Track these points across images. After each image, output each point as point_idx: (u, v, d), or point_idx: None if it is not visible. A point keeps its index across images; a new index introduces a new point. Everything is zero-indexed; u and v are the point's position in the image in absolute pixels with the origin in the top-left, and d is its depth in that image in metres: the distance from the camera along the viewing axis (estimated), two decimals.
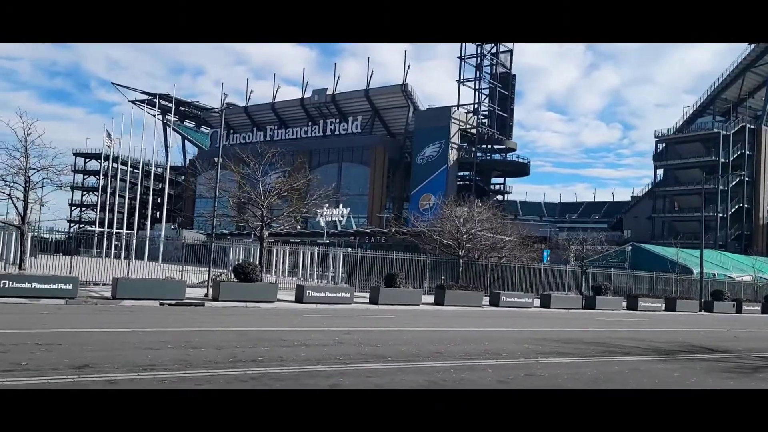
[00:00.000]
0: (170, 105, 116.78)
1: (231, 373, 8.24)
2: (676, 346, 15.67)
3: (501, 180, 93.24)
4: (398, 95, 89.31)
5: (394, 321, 19.08)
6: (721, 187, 72.51)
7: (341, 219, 49.76)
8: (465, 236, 31.04)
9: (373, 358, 10.37)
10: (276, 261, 40.33)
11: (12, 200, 21.16)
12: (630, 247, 52.90)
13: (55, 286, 19.84)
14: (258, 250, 44.44)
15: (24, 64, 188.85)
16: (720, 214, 71.56)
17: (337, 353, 10.62)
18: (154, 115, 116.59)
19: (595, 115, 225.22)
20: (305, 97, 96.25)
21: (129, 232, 68.68)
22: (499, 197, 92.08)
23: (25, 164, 20.76)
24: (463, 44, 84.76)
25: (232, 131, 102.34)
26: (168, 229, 69.39)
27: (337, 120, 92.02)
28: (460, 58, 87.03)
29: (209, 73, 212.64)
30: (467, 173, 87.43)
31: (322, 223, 46.87)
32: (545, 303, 32.37)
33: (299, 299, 25.29)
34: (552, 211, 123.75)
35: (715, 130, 74.63)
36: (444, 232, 32.49)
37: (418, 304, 27.94)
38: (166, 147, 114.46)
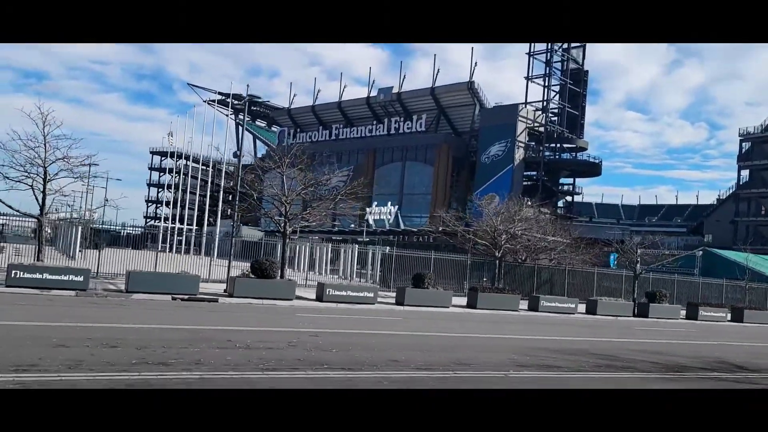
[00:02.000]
0: (242, 105, 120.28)
1: (99, 378, 7.44)
2: (700, 363, 13.78)
3: (570, 180, 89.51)
4: (464, 93, 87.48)
5: (400, 324, 17.95)
6: None
7: (389, 217, 48.77)
8: (504, 236, 29.33)
9: (309, 364, 9.36)
10: (314, 258, 40.01)
11: (34, 191, 21.46)
12: (701, 252, 49.12)
13: (66, 278, 19.89)
14: (303, 247, 44.29)
15: (113, 68, 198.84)
16: None
17: (270, 357, 9.67)
18: (227, 115, 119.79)
19: (679, 114, 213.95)
20: (371, 95, 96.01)
21: (195, 227, 70.28)
22: (568, 198, 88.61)
23: (43, 155, 21.00)
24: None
25: (299, 130, 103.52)
26: (227, 226, 70.61)
27: (402, 118, 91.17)
28: (529, 54, 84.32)
29: (284, 74, 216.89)
30: (534, 173, 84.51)
31: (371, 222, 46.08)
32: (591, 309, 30.23)
33: (319, 298, 24.55)
34: (630, 214, 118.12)
35: None
36: (479, 231, 30.86)
37: (447, 306, 26.62)
38: (239, 145, 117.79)
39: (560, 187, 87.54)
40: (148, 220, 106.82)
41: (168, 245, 66.75)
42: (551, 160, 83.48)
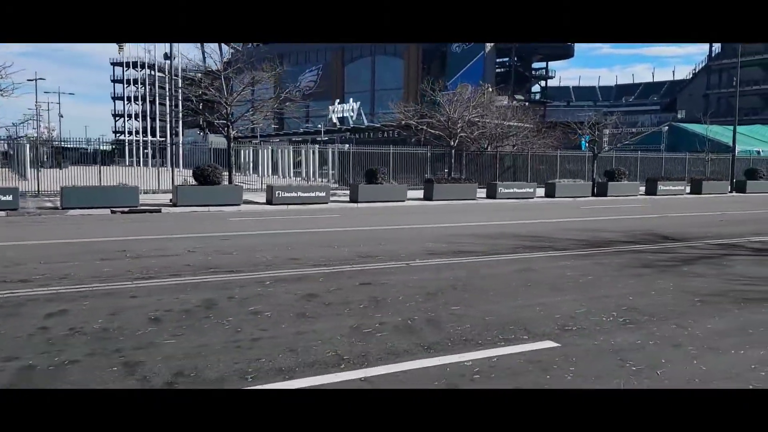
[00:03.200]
0: None
1: None
2: (627, 237, 13.61)
3: (544, 65, 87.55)
4: None
5: (339, 221, 17.60)
6: None
7: (352, 114, 47.58)
8: (459, 124, 28.55)
9: (195, 270, 8.98)
10: (276, 162, 39.30)
11: None
12: (667, 128, 48.68)
13: None
14: (265, 151, 43.42)
15: None
16: None
17: (155, 266, 9.28)
18: None
19: None
20: None
21: (160, 139, 68.75)
22: (542, 83, 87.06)
23: None
24: None
25: None
26: (194, 135, 69.16)
27: None
28: None
29: None
30: (507, 59, 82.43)
31: (335, 120, 44.91)
32: (550, 192, 30.07)
33: (269, 201, 24.13)
34: (607, 96, 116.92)
35: None
36: (435, 122, 30.02)
37: (403, 201, 26.31)
38: (203, 49, 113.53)
39: (534, 72, 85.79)
40: (117, 135, 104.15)
41: (136, 159, 65.62)
42: (522, 44, 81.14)
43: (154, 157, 63.21)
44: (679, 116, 76.52)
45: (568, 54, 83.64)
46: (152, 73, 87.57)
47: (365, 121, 41.14)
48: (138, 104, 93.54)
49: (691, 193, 33.59)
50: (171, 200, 23.22)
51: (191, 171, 23.73)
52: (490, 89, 40.07)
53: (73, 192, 20.71)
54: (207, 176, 22.50)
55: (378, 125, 41.91)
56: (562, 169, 36.47)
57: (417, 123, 30.97)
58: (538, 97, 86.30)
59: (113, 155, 55.40)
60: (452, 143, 28.35)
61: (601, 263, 10.07)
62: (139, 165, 59.95)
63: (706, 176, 35.17)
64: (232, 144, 24.81)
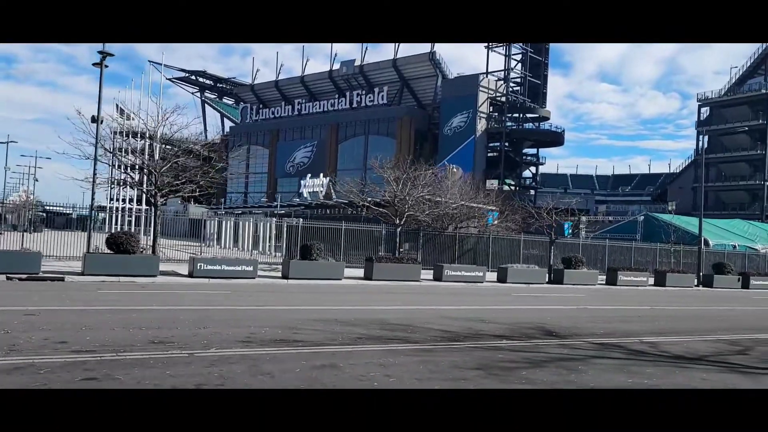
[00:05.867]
0: (208, 82, 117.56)
1: None
2: (505, 330, 12.24)
3: (535, 150, 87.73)
4: (426, 64, 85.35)
5: (225, 299, 16.31)
6: None
7: (321, 189, 47.05)
8: (407, 201, 27.53)
9: None
10: (217, 232, 38.35)
11: None
12: (642, 217, 47.65)
13: None
14: (227, 223, 42.65)
15: (82, 49, 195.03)
16: None
17: None
18: (192, 93, 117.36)
19: (651, 85, 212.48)
20: (333, 69, 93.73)
21: (146, 207, 68.27)
22: (532, 169, 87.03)
23: None
24: None
25: (262, 106, 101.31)
26: (175, 204, 68.82)
27: (364, 92, 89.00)
28: None
29: (257, 52, 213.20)
30: (498, 144, 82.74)
31: (306, 194, 44.34)
32: (502, 277, 28.74)
33: (191, 273, 22.94)
34: (604, 184, 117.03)
35: (764, 91, 66.78)
36: (367, 198, 29.12)
37: (339, 279, 25.05)
38: (204, 122, 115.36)
39: (525, 158, 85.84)
40: (112, 200, 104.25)
41: (119, 226, 65.03)
42: (514, 130, 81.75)
43: (138, 225, 62.64)
44: (669, 208, 75.66)
45: (558, 141, 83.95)
46: (152, 143, 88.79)
47: (334, 197, 40.63)
48: (119, 171, 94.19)
49: (655, 284, 32.10)
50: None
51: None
52: (455, 170, 39.40)
53: None
54: (120, 244, 21.44)
55: (345, 201, 40.97)
56: (527, 253, 35.25)
57: (360, 200, 30.06)
58: (527, 182, 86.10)
59: (94, 221, 54.88)
60: (398, 221, 27.33)
61: (432, 361, 8.74)
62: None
63: (672, 268, 33.78)
64: (158, 212, 23.87)
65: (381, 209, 28.62)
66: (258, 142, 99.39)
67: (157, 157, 22.61)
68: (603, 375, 8.60)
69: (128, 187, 22.86)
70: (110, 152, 22.43)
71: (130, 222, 65.12)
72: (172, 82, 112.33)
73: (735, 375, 9.12)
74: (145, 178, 23.77)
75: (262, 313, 13.39)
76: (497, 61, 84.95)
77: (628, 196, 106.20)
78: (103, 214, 60.54)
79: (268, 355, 8.53)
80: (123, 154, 22.70)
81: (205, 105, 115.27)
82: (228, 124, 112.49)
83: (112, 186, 23.51)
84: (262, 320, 11.76)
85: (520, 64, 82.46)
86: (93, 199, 23.63)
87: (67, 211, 48.06)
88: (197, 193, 24.64)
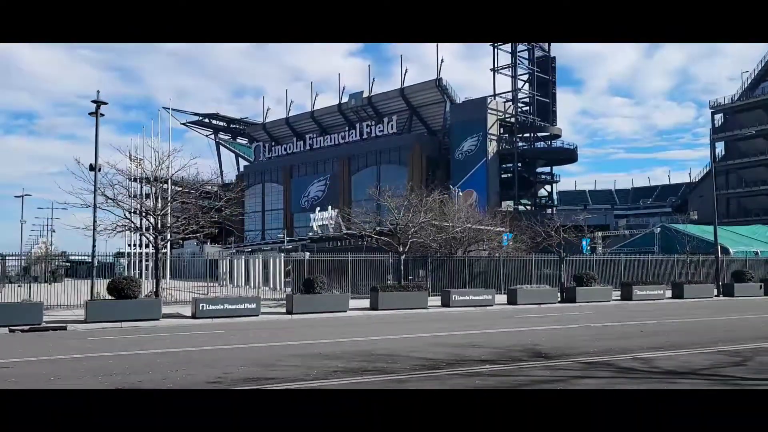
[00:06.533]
0: (222, 124, 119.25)
1: None
2: (493, 354, 11.84)
3: (548, 169, 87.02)
4: (433, 91, 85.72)
5: (215, 339, 16.07)
6: None
7: (331, 222, 47.05)
8: (410, 228, 27.24)
9: None
10: (229, 271, 38.35)
11: None
12: (659, 229, 46.65)
13: None
14: (239, 261, 42.71)
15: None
16: None
17: None
18: (206, 135, 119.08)
19: (665, 96, 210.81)
20: (342, 102, 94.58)
21: (164, 252, 69.02)
22: (548, 187, 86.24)
23: None
24: None
25: (274, 143, 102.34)
26: (192, 246, 69.37)
27: (374, 122, 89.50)
28: (493, 45, 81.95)
29: (269, 91, 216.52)
30: (510, 165, 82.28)
31: (315, 228, 44.36)
32: (512, 299, 28.17)
33: (194, 314, 22.83)
34: (624, 198, 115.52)
35: None
36: (371, 226, 28.88)
37: (345, 311, 24.75)
38: (219, 163, 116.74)
39: (539, 177, 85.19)
40: (130, 246, 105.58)
41: (138, 271, 65.60)
42: (525, 150, 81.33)
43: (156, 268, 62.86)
44: (691, 217, 74.41)
45: (571, 158, 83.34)
46: (166, 186, 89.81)
47: (343, 229, 40.48)
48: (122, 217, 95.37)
49: (672, 297, 31.23)
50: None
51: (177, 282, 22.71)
52: (460, 193, 39.09)
53: None
54: (121, 290, 21.43)
55: (356, 232, 40.63)
56: (539, 273, 34.62)
57: (361, 230, 29.87)
58: (543, 201, 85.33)
59: (113, 269, 55.42)
60: (401, 249, 27.02)
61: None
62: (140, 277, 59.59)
63: (689, 280, 32.85)
64: (160, 254, 23.92)
65: (384, 238, 28.36)
66: (272, 179, 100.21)
67: (153, 199, 22.70)
68: None
69: (129, 231, 22.88)
70: (111, 199, 22.55)
71: (148, 266, 65.85)
72: (187, 126, 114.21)
73: (721, 388, 8.66)
74: (144, 221, 23.88)
75: (247, 351, 13.16)
76: (504, 82, 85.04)
77: (649, 209, 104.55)
78: (123, 260, 61.12)
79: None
80: (123, 199, 22.89)
81: (220, 146, 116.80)
82: (243, 163, 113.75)
83: (118, 232, 23.46)
84: (242, 359, 11.53)
85: (527, 84, 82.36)
86: (94, 246, 23.80)
87: (89, 260, 48.30)
88: (200, 234, 24.63)
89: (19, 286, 32.71)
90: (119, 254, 74.44)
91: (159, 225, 23.65)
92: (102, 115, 23.27)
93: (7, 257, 40.18)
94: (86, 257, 46.15)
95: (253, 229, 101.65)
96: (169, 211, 25.41)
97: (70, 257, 55.42)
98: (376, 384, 8.98)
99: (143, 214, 23.11)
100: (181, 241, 78.68)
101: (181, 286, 38.55)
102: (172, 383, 9.08)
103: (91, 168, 22.59)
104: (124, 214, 23.29)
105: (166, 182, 27.63)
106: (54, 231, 59.37)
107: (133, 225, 23.42)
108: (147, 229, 23.64)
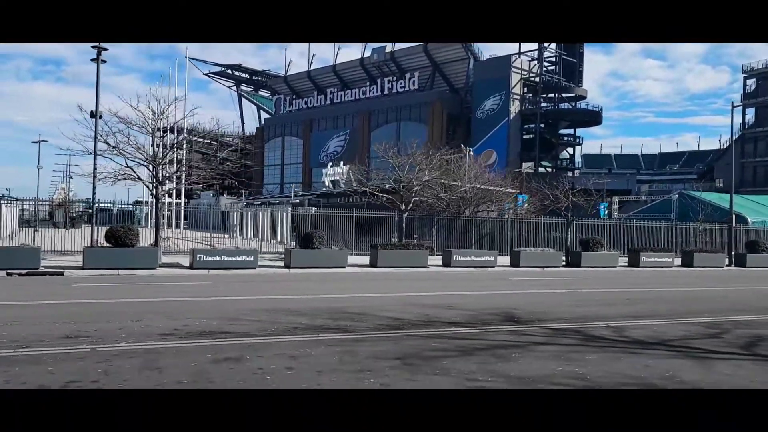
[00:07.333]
0: (244, 75, 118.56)
1: None
2: (463, 317, 11.60)
3: (572, 131, 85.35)
4: (457, 47, 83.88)
5: (205, 289, 16.15)
6: None
7: (342, 177, 46.75)
8: (414, 186, 26.83)
9: None
10: (239, 224, 38.41)
11: None
12: (677, 196, 45.52)
13: None
14: (248, 214, 42.81)
15: (126, 50, 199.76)
16: None
17: None
18: (229, 87, 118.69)
19: (699, 59, 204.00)
20: (365, 56, 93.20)
21: (177, 201, 69.47)
22: (569, 150, 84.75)
23: None
24: None
25: (295, 96, 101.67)
26: (208, 197, 69.82)
27: (395, 78, 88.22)
28: None
29: (294, 45, 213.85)
30: (533, 125, 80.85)
31: (327, 183, 44.14)
32: (515, 261, 27.88)
33: (191, 265, 22.96)
34: (651, 164, 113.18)
35: None
36: (381, 183, 28.53)
37: (343, 267, 24.72)
38: (241, 115, 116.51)
39: (562, 139, 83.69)
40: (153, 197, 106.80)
41: (154, 221, 66.40)
42: (548, 110, 79.76)
43: (178, 218, 63.82)
44: (717, 185, 72.74)
45: (596, 120, 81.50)
46: (190, 137, 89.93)
47: (354, 185, 40.19)
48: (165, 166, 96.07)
49: (682, 265, 30.63)
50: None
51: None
52: (471, 152, 38.41)
53: None
54: (119, 237, 21.56)
55: (365, 189, 40.18)
56: (548, 236, 34.17)
57: (364, 187, 29.57)
58: (564, 163, 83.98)
59: (133, 217, 56.17)
60: (403, 207, 26.73)
61: (353, 351, 8.25)
62: (149, 227, 60.44)
63: (700, 248, 32.14)
64: (160, 205, 24.01)
65: (387, 195, 28.07)
66: (292, 133, 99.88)
67: (153, 148, 22.62)
68: (533, 363, 7.94)
69: (131, 180, 22.89)
70: (112, 147, 22.54)
71: (169, 216, 66.59)
72: (209, 76, 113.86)
73: (685, 360, 8.33)
74: (146, 171, 23.89)
75: (221, 304, 13.11)
76: (528, 43, 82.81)
77: (675, 175, 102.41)
78: (143, 208, 61.83)
79: (178, 348, 8.21)
80: (125, 148, 22.83)
81: (242, 98, 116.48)
82: (264, 116, 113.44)
83: (119, 180, 23.46)
84: (208, 311, 11.48)
85: (554, 43, 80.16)
86: (94, 193, 23.92)
87: (111, 207, 49.09)
88: (201, 185, 24.59)
89: (36, 230, 33.27)
90: (138, 203, 75.53)
91: (159, 175, 23.65)
92: (104, 61, 23.06)
93: (23, 202, 40.89)
94: (110, 204, 46.91)
95: (273, 182, 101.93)
96: (169, 160, 25.32)
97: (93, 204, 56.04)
98: (329, 342, 8.83)
99: (145, 163, 23.05)
100: (198, 192, 79.45)
101: (192, 236, 38.92)
102: (125, 333, 9.03)
103: (92, 115, 22.51)
104: (126, 163, 23.28)
105: (171, 131, 27.51)
106: (72, 177, 60.24)
107: (134, 174, 23.39)
108: (143, 179, 23.61)
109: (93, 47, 22.29)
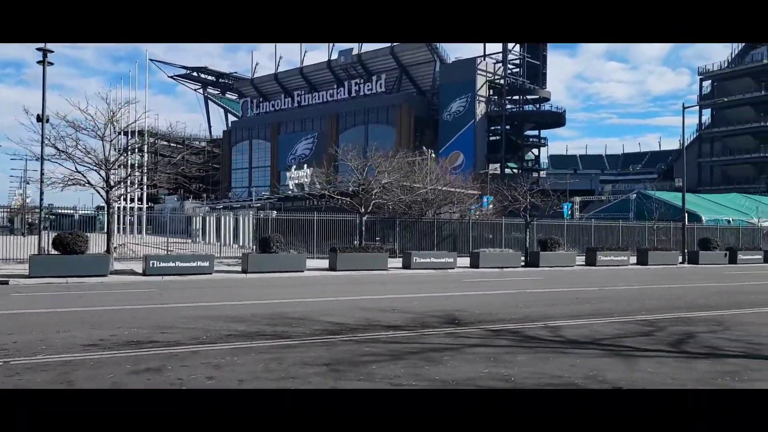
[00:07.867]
0: (210, 78, 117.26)
1: None
2: (405, 320, 11.59)
3: (536, 132, 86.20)
4: (423, 50, 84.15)
5: (153, 297, 15.87)
6: None
7: (306, 180, 46.55)
8: (373, 189, 26.82)
9: None
10: (202, 229, 38.03)
11: None
12: (634, 196, 46.35)
13: None
14: (210, 219, 42.35)
15: (88, 52, 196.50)
16: None
17: None
18: (195, 90, 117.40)
19: (660, 62, 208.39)
20: (332, 59, 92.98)
21: (140, 206, 68.47)
22: (534, 151, 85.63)
23: None
24: None
25: (263, 99, 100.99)
26: (173, 202, 68.91)
27: (363, 80, 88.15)
28: None
29: (260, 47, 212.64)
30: (498, 127, 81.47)
31: (291, 186, 43.85)
32: (474, 262, 28.03)
33: (144, 271, 22.56)
34: (615, 164, 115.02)
35: (767, 62, 64.64)
36: (345, 186, 28.47)
37: (302, 271, 24.56)
38: (207, 119, 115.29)
39: (527, 140, 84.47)
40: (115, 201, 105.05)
41: (120, 226, 65.24)
42: (513, 112, 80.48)
43: (140, 224, 62.74)
44: (676, 184, 74.18)
45: (559, 122, 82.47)
46: (155, 141, 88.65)
47: (317, 188, 39.99)
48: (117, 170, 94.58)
49: (637, 263, 31.12)
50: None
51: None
52: (433, 154, 38.55)
53: None
54: (67, 244, 21.09)
55: (325, 192, 39.95)
56: (509, 237, 34.42)
57: (324, 191, 29.46)
58: (529, 164, 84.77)
59: (95, 222, 55.07)
60: (362, 210, 26.66)
61: (281, 358, 8.14)
62: (121, 233, 59.39)
63: (655, 246, 32.72)
64: (111, 209, 23.56)
65: (345, 198, 27.97)
66: (260, 135, 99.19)
67: (104, 152, 22.15)
68: (462, 366, 7.94)
69: (81, 185, 22.37)
70: (61, 151, 22.05)
71: (132, 221, 65.44)
72: (175, 79, 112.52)
73: (612, 359, 8.42)
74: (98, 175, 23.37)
75: (159, 312, 12.86)
76: (495, 43, 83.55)
77: (637, 175, 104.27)
78: (104, 215, 60.62)
79: (98, 359, 8.00)
80: (74, 153, 22.31)
81: (208, 101, 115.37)
82: (232, 119, 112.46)
83: (68, 185, 22.90)
84: (142, 320, 11.26)
85: (518, 46, 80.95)
86: (41, 199, 23.34)
87: (72, 213, 48.03)
88: (167, 189, 24.17)
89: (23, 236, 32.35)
90: (100, 208, 74.01)
91: (110, 180, 23.17)
92: (50, 63, 22.54)
93: None
94: (71, 210, 45.87)
95: (241, 185, 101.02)
96: (122, 164, 24.88)
97: (54, 210, 55.04)
98: (260, 349, 8.71)
99: (95, 167, 22.57)
100: (163, 197, 78.28)
101: (152, 241, 38.27)
102: (46, 345, 8.79)
103: (38, 119, 22.01)
104: (75, 168, 22.76)
105: (125, 134, 27.00)
106: (28, 183, 58.95)
107: (84, 179, 22.89)
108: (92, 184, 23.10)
109: (38, 49, 21.78)
